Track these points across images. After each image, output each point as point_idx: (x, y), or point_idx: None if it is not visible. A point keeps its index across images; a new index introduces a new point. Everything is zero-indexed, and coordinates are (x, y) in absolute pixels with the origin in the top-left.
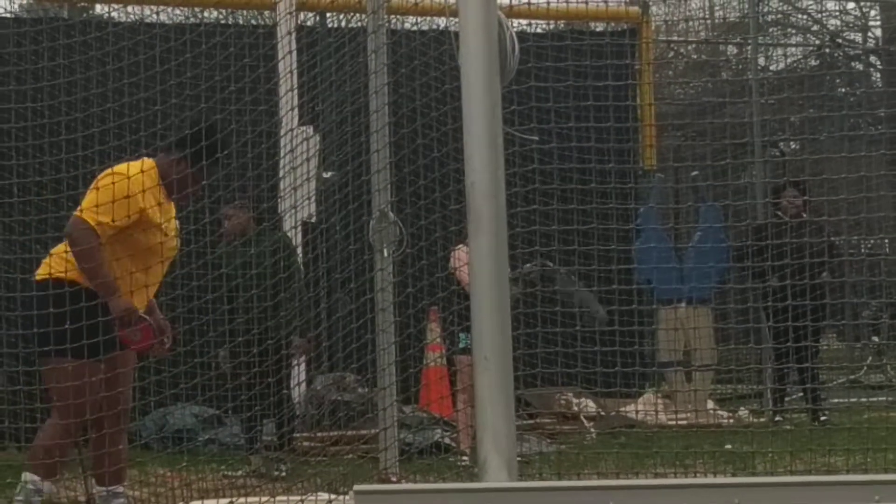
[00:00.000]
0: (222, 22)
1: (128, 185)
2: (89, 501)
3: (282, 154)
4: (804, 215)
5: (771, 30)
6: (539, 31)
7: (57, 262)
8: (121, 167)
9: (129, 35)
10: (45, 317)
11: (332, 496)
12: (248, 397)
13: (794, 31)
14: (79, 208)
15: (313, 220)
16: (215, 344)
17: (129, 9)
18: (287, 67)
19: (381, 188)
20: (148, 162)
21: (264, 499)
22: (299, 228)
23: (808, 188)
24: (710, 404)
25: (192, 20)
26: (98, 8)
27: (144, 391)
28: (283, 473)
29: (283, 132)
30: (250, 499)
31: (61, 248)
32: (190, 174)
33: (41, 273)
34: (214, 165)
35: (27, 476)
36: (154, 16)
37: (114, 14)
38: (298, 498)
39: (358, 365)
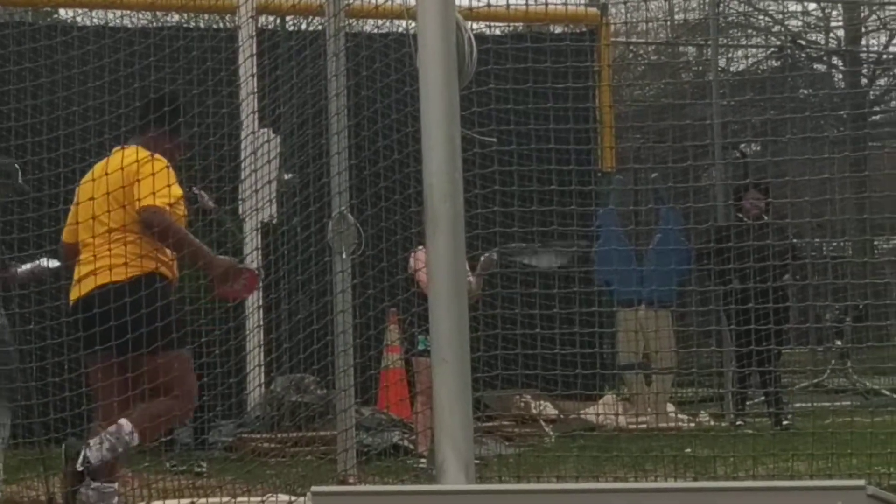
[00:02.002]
0: (184, 26)
1: (166, 167)
2: (51, 501)
3: (243, 156)
4: (765, 217)
5: (731, 31)
6: (498, 32)
7: (140, 261)
8: (133, 154)
9: (95, 39)
10: (151, 313)
11: (291, 497)
12: None
13: (754, 33)
14: (137, 200)
15: (274, 221)
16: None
17: (94, 13)
18: (248, 71)
19: (341, 190)
20: (143, 150)
21: (224, 499)
22: (259, 229)
23: (769, 189)
24: (671, 407)
25: (155, 24)
26: (63, 12)
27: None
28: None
29: (244, 135)
30: (211, 499)
31: (126, 250)
32: (180, 144)
33: (121, 274)
34: (189, 127)
35: (128, 426)
36: (118, 20)
37: (78, 18)
38: (258, 499)
39: (317, 367)
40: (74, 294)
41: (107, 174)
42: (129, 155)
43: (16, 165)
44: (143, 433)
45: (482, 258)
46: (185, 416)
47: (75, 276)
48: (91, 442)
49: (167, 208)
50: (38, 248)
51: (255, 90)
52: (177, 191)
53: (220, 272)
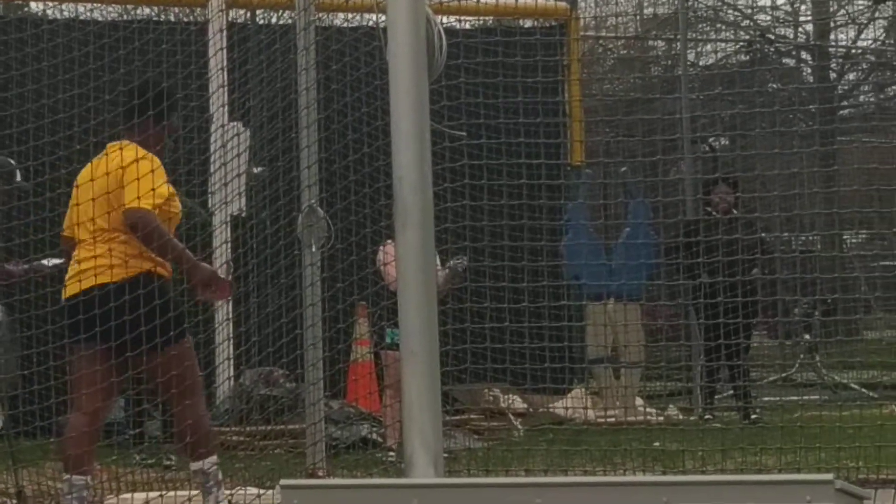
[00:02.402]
0: (154, 19)
1: (151, 163)
2: (20, 494)
3: (212, 149)
4: (735, 211)
5: (701, 25)
6: (468, 27)
7: (133, 261)
8: (121, 151)
9: (65, 32)
10: (155, 309)
11: (260, 490)
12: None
13: (723, 27)
14: (126, 202)
15: (243, 214)
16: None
17: (64, 6)
18: (218, 64)
19: (311, 184)
20: (130, 144)
21: (193, 492)
22: (229, 223)
23: (739, 184)
24: (639, 401)
25: (126, 17)
26: (33, 5)
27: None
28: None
29: (213, 128)
30: (179, 492)
31: (121, 250)
32: (165, 127)
33: (119, 274)
34: (174, 110)
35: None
36: (88, 13)
37: (48, 12)
38: (227, 492)
39: (286, 360)
40: (66, 291)
41: (107, 174)
42: (127, 153)
43: (11, 162)
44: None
45: (449, 265)
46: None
47: (69, 273)
48: None
49: (153, 210)
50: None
51: (226, 83)
52: (164, 190)
53: (204, 279)
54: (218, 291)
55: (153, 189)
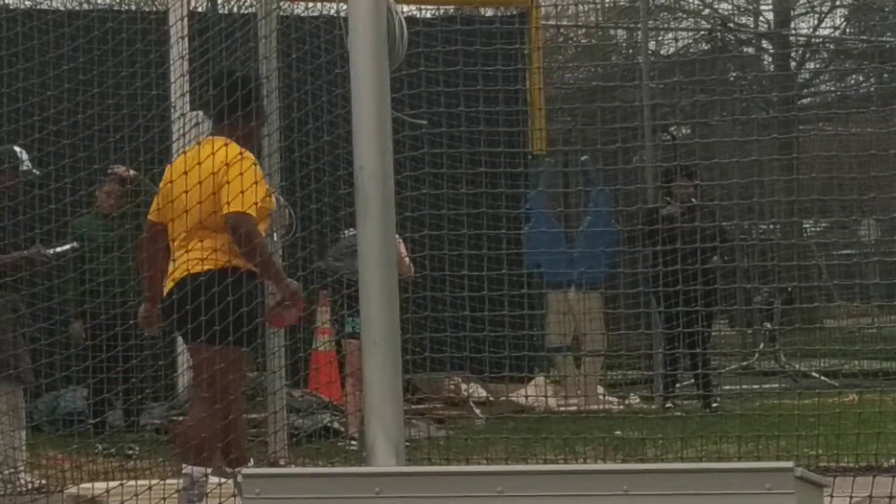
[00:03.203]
0: (115, 8)
1: (254, 167)
2: None
3: (173, 139)
4: (693, 200)
5: (661, 14)
6: (429, 15)
7: (222, 254)
8: (222, 153)
9: (23, 21)
10: (231, 304)
11: (221, 479)
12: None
13: (684, 15)
14: (226, 204)
15: None
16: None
17: None
18: (179, 53)
19: (271, 172)
20: (220, 140)
21: (154, 481)
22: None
23: (698, 173)
24: (600, 390)
25: (86, 6)
26: None
27: (38, 374)
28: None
29: (174, 117)
30: (140, 481)
31: (216, 241)
32: (257, 126)
33: (217, 262)
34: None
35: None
36: (47, 2)
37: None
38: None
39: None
40: (170, 283)
41: (197, 177)
42: (219, 152)
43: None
44: (203, 461)
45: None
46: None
47: (171, 268)
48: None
49: (253, 215)
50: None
51: (186, 73)
52: (261, 190)
53: (291, 296)
54: (292, 310)
55: (254, 184)
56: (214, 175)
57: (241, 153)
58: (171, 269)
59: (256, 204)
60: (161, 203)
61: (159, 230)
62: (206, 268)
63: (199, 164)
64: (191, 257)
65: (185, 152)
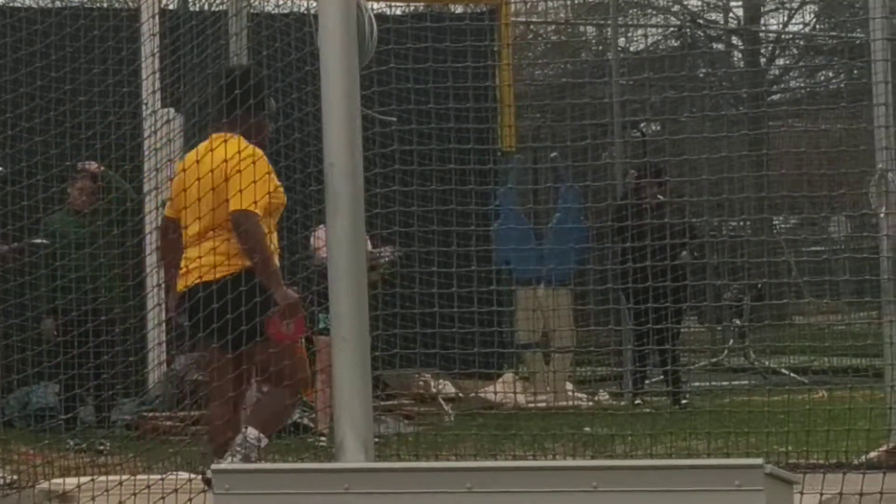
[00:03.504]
0: (87, 5)
1: (263, 162)
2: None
3: (145, 136)
4: (660, 197)
5: (631, 10)
6: (399, 12)
7: (234, 259)
8: (233, 147)
9: None
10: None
11: (191, 475)
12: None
13: (653, 12)
14: (231, 200)
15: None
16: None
17: None
18: (150, 50)
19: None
20: (232, 136)
21: (124, 477)
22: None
23: (667, 169)
24: (569, 386)
25: (58, 3)
26: None
27: (9, 369)
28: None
29: (145, 114)
30: (111, 477)
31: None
32: (265, 120)
33: (231, 267)
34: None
35: (252, 432)
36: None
37: None
38: (158, 477)
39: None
40: (181, 284)
41: (212, 169)
42: (231, 147)
43: None
44: (266, 431)
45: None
46: (295, 403)
47: (182, 267)
48: (225, 458)
49: (258, 213)
50: None
51: (157, 70)
52: (267, 185)
53: (285, 305)
54: (292, 325)
55: (259, 179)
56: (223, 173)
57: (244, 148)
58: (183, 267)
59: (256, 202)
60: (174, 194)
61: (175, 225)
62: (227, 272)
63: (212, 151)
64: (202, 263)
65: (195, 149)
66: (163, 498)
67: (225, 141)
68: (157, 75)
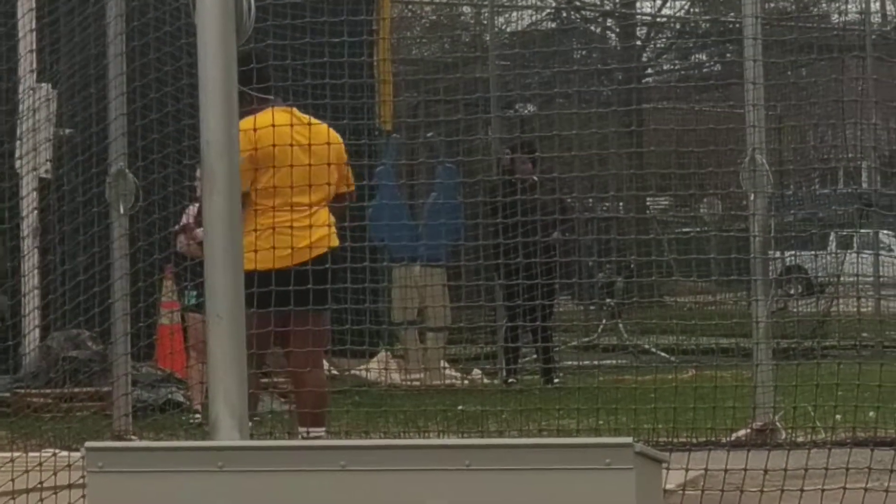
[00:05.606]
0: None
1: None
2: None
3: (20, 111)
4: (535, 178)
5: None
6: None
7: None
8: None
9: None
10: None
11: (66, 453)
12: None
13: None
14: (346, 184)
15: (49, 175)
16: None
17: None
18: (27, 26)
19: (116, 140)
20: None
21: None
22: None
23: (537, 148)
24: (444, 364)
25: None
26: None
27: None
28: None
29: (21, 90)
30: (31, 454)
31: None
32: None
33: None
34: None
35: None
36: None
37: None
38: (34, 454)
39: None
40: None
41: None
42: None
43: None
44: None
45: None
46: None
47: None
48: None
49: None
50: None
51: (34, 46)
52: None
53: None
54: None
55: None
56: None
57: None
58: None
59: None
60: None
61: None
62: (337, 243)
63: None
64: (323, 231)
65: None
66: (27, 472)
67: (310, 120)
68: (34, 51)
